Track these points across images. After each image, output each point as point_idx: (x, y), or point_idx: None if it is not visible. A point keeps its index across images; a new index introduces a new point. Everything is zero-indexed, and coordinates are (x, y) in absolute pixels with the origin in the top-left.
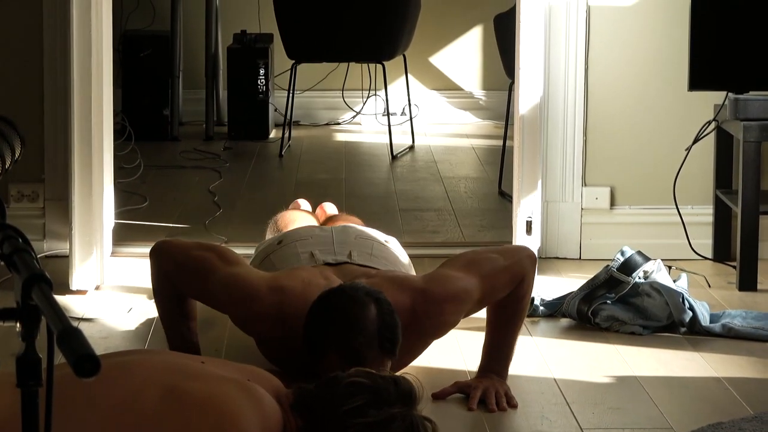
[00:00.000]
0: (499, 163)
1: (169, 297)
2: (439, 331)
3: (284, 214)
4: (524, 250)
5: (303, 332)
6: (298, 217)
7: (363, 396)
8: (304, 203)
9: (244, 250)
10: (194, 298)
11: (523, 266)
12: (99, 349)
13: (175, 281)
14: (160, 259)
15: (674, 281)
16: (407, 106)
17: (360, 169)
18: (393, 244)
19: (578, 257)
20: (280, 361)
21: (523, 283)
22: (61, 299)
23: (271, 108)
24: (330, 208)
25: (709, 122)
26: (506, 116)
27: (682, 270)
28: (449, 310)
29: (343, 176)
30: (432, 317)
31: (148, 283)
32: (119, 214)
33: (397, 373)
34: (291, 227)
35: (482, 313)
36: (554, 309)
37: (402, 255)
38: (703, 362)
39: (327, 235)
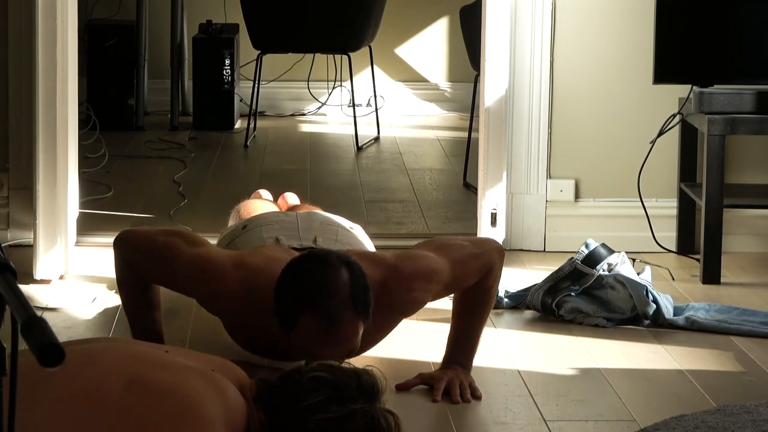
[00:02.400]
0: (464, 155)
1: (132, 286)
2: (407, 308)
3: (246, 204)
4: (493, 242)
5: (274, 299)
6: (261, 206)
7: (324, 391)
8: (265, 193)
9: (212, 240)
10: (159, 284)
11: (492, 257)
12: (63, 339)
13: (141, 268)
14: (124, 247)
15: (638, 274)
16: (373, 97)
17: (325, 160)
18: (358, 230)
19: (542, 249)
20: (248, 342)
21: (491, 274)
22: (25, 288)
23: (236, 98)
24: (291, 198)
25: (674, 115)
26: (471, 108)
27: (646, 263)
28: (419, 287)
29: (308, 167)
30: (401, 292)
31: (112, 273)
32: (84, 204)
33: (364, 365)
34: (254, 215)
35: (448, 304)
36: (518, 301)
37: (367, 242)
38: (667, 355)
39: (292, 220)
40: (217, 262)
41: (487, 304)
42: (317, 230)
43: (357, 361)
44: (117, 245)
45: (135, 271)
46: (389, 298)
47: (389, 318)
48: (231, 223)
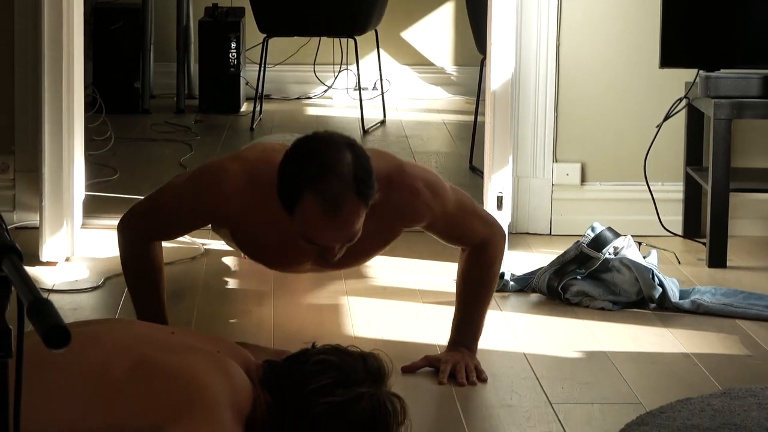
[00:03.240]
0: (470, 139)
1: (138, 268)
2: (409, 214)
3: None
4: (497, 227)
5: (277, 179)
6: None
7: (330, 374)
8: None
9: None
10: (169, 228)
11: (494, 232)
12: (69, 321)
13: (146, 227)
14: (126, 222)
15: (644, 257)
16: (379, 80)
17: None
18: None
19: (549, 233)
20: (255, 250)
21: (492, 247)
22: (31, 270)
23: (242, 81)
24: None
25: (680, 99)
26: (478, 92)
27: (652, 246)
28: (422, 193)
29: None
30: (404, 192)
31: (118, 255)
32: (90, 187)
33: (370, 348)
34: None
35: (452, 287)
36: (524, 284)
37: None
38: (673, 338)
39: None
40: (212, 165)
41: (489, 285)
42: None
43: (362, 343)
44: (120, 227)
45: (142, 238)
46: (392, 193)
47: (390, 220)
48: None
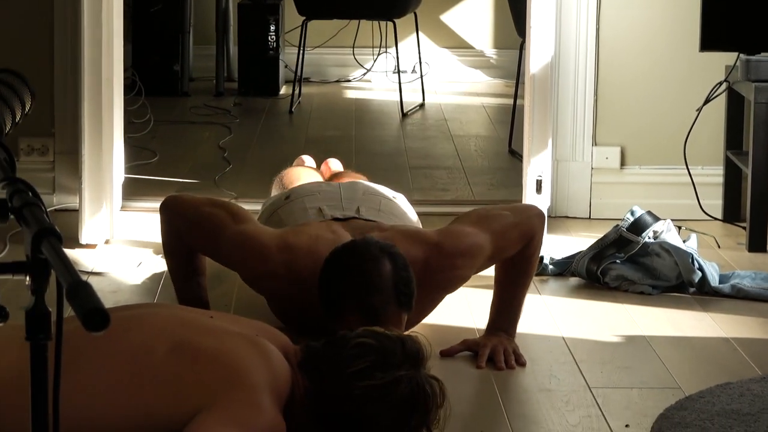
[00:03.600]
0: (509, 122)
1: (178, 252)
2: (451, 285)
3: (289, 171)
4: (533, 209)
5: (318, 291)
6: (303, 173)
7: (369, 358)
8: (308, 159)
9: (253, 206)
10: (203, 254)
11: (533, 224)
12: (108, 303)
13: (185, 237)
14: (170, 214)
15: (684, 241)
16: (418, 63)
17: (370, 127)
18: (400, 200)
19: (588, 216)
20: (291, 320)
21: (533, 240)
22: (70, 253)
23: (281, 64)
24: (335, 165)
25: (720, 83)
26: (517, 75)
27: (692, 230)
28: (461, 264)
29: (353, 133)
30: (445, 271)
31: (157, 238)
32: (129, 169)
33: (407, 332)
34: (297, 184)
35: (491, 271)
36: (563, 268)
37: (410, 211)
38: (712, 322)
39: (334, 190)
40: (261, 242)
41: (529, 270)
42: (360, 200)
43: None
44: (163, 211)
45: (180, 238)
46: (432, 276)
47: (433, 296)
48: (274, 191)
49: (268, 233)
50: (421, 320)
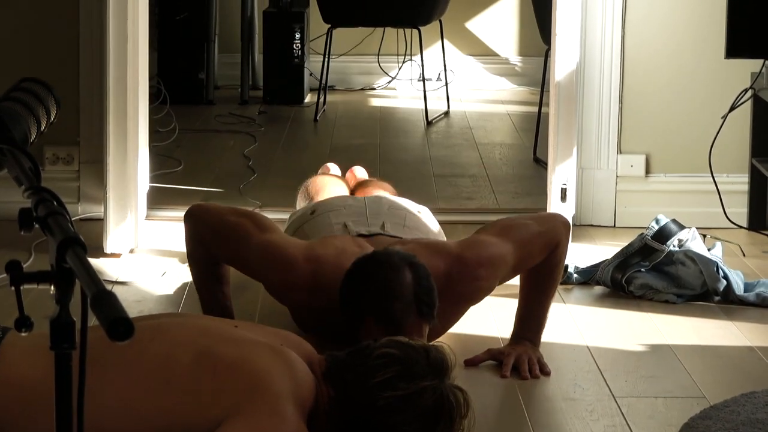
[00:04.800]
0: (534, 130)
1: (203, 261)
2: (474, 296)
3: (314, 180)
4: (558, 217)
5: (339, 300)
6: (329, 182)
7: (394, 368)
8: (333, 167)
9: (278, 215)
10: (228, 264)
11: (557, 233)
12: (133, 313)
13: (210, 246)
14: (195, 223)
15: (709, 250)
16: (443, 71)
17: (395, 135)
18: (425, 214)
19: (613, 225)
20: (315, 330)
21: (557, 249)
22: (95, 262)
23: (306, 72)
24: (360, 172)
25: (746, 90)
26: (542, 83)
27: (717, 239)
28: (484, 275)
29: (377, 141)
30: (467, 282)
31: (182, 247)
32: (154, 178)
33: (430, 344)
34: (322, 193)
35: (516, 280)
36: (588, 276)
37: (433, 224)
38: (737, 331)
39: (360, 205)
40: (287, 252)
41: (554, 279)
42: (385, 215)
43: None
44: (188, 220)
45: (205, 248)
46: (455, 288)
47: (456, 308)
48: (299, 201)
49: (294, 243)
50: (444, 332)
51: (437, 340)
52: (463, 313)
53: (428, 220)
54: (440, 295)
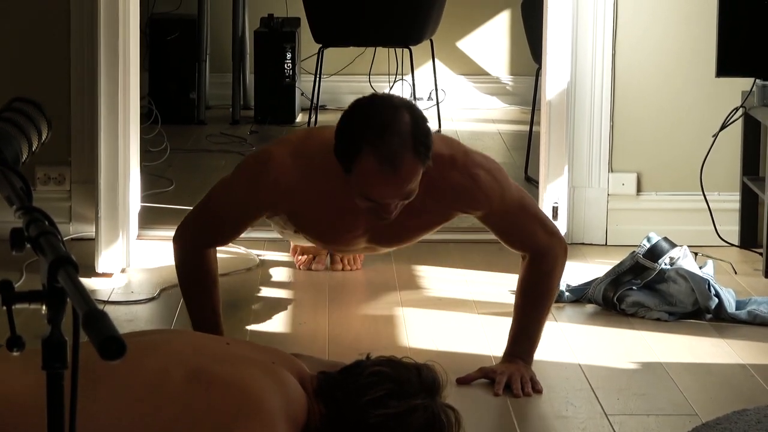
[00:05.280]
0: (525, 149)
1: (193, 279)
2: (463, 198)
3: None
4: (560, 235)
5: (335, 137)
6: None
7: (385, 386)
8: None
9: (268, 234)
10: (225, 230)
11: (555, 242)
12: (124, 332)
13: (201, 233)
14: (180, 233)
15: (700, 268)
16: (434, 90)
17: None
18: None
19: (604, 243)
20: (314, 226)
21: (551, 257)
22: (86, 282)
23: (297, 92)
24: None
25: (737, 109)
26: (533, 101)
27: (709, 257)
28: (482, 181)
29: None
30: (464, 176)
31: (174, 266)
32: (145, 198)
33: (425, 359)
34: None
35: (509, 298)
36: (580, 295)
37: None
38: (729, 349)
39: None
40: (257, 153)
41: (548, 298)
42: None
43: (417, 355)
44: (176, 239)
45: (199, 248)
46: (450, 174)
47: (447, 202)
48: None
49: (262, 148)
50: (427, 232)
51: (428, 353)
52: (447, 220)
53: None
54: (435, 182)
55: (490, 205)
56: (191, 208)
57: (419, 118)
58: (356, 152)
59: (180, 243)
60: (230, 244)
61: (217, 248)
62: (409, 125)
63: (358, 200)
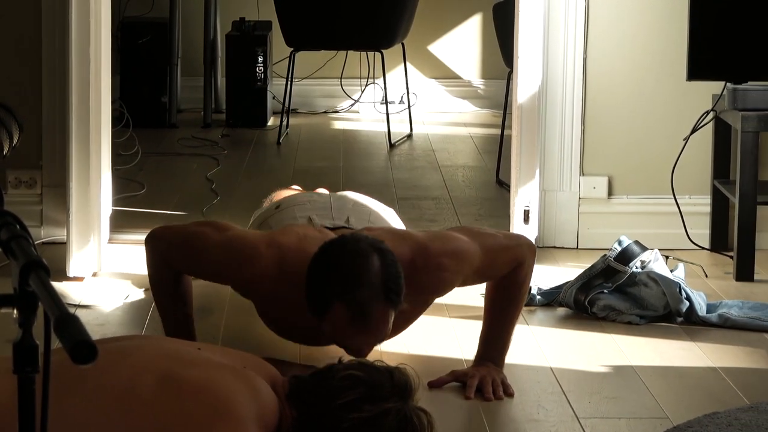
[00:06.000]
0: (497, 152)
1: (165, 283)
2: (437, 288)
3: (280, 192)
4: (525, 238)
5: (306, 286)
6: (294, 192)
7: (358, 390)
8: (296, 190)
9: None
10: (193, 274)
11: (523, 252)
12: (95, 336)
13: (174, 261)
14: (157, 243)
15: (671, 271)
16: (405, 94)
17: (358, 158)
18: (390, 213)
19: (575, 246)
20: (281, 328)
21: (521, 268)
22: (58, 286)
23: (269, 96)
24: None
25: (708, 112)
26: (504, 105)
27: (679, 260)
28: (448, 266)
29: (340, 164)
30: (431, 271)
31: (145, 270)
32: (117, 201)
33: (397, 363)
34: (286, 196)
35: (479, 301)
36: (551, 298)
37: (398, 224)
38: (700, 352)
39: (325, 200)
40: (248, 243)
41: (518, 301)
42: (350, 210)
43: (389, 358)
44: (149, 242)
45: (168, 265)
46: (418, 277)
47: (419, 299)
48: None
49: (255, 233)
50: (407, 326)
51: (400, 357)
52: (424, 308)
53: (393, 219)
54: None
55: (463, 278)
56: (163, 211)
57: (389, 263)
58: (326, 306)
59: (154, 245)
60: None
61: None
62: (379, 274)
63: (330, 341)
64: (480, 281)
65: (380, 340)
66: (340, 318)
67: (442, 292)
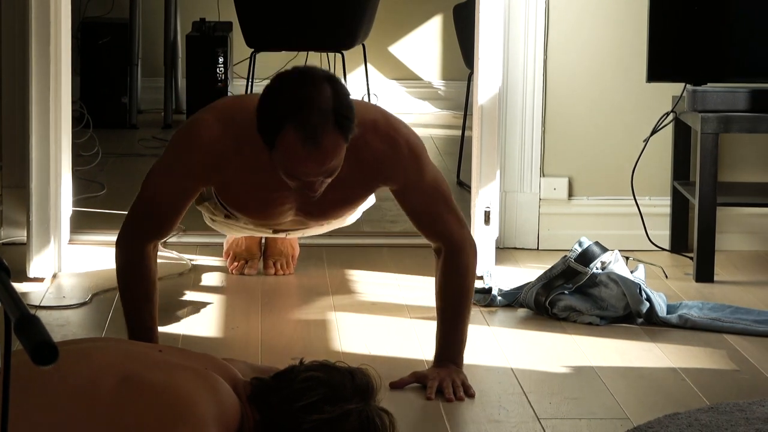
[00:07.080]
0: (457, 153)
1: (134, 283)
2: (382, 165)
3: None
4: (471, 238)
5: (257, 114)
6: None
7: (319, 391)
8: None
9: (203, 239)
10: (169, 218)
11: (463, 235)
12: (56, 337)
13: (148, 226)
14: (125, 235)
15: (631, 272)
16: (366, 95)
17: None
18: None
19: (536, 248)
20: (241, 202)
21: (461, 254)
22: (18, 287)
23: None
24: None
25: (667, 114)
26: (465, 106)
27: (640, 261)
28: (400, 150)
29: None
30: (384, 141)
31: (105, 271)
32: (77, 202)
33: (358, 364)
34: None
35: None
36: (512, 299)
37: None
38: (660, 353)
39: None
40: (186, 123)
41: (466, 297)
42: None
43: (350, 359)
44: (118, 240)
45: (142, 247)
46: (373, 139)
47: (367, 171)
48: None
49: (191, 117)
50: (353, 204)
51: (362, 358)
52: (369, 192)
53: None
54: (356, 149)
55: (406, 177)
56: (124, 212)
57: (341, 93)
58: (278, 129)
59: (121, 243)
60: (162, 248)
61: None
62: (330, 100)
63: (283, 177)
64: (419, 218)
65: (330, 172)
66: (291, 141)
67: (386, 177)
